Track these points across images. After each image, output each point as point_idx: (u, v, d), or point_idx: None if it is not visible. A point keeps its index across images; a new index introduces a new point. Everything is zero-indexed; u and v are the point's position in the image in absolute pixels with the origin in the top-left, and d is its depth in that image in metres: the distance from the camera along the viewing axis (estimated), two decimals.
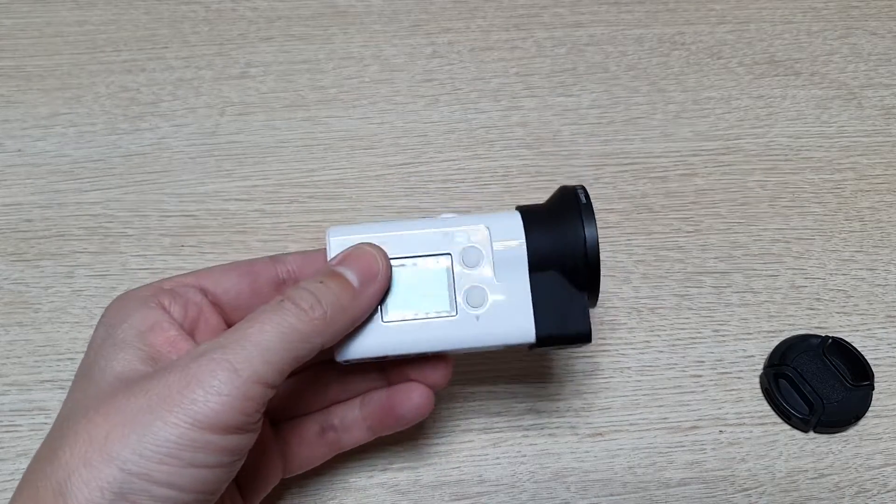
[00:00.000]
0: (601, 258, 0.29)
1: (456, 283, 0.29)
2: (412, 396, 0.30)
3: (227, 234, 0.42)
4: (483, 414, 0.37)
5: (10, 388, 0.37)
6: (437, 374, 0.30)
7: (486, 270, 0.29)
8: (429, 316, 0.29)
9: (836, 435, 0.37)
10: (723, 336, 0.39)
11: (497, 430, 0.37)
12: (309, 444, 0.32)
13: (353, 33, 0.50)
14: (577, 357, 0.39)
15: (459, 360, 0.38)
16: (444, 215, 0.30)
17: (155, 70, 0.48)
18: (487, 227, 0.29)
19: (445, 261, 0.29)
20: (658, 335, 0.39)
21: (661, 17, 0.51)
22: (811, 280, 0.41)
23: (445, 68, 0.49)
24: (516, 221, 0.30)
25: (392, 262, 0.29)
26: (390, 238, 0.29)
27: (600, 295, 0.40)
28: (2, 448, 0.36)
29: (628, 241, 0.42)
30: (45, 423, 0.36)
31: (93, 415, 0.25)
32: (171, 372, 0.25)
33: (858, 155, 0.46)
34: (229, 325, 0.30)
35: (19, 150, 0.45)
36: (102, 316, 0.29)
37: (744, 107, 0.47)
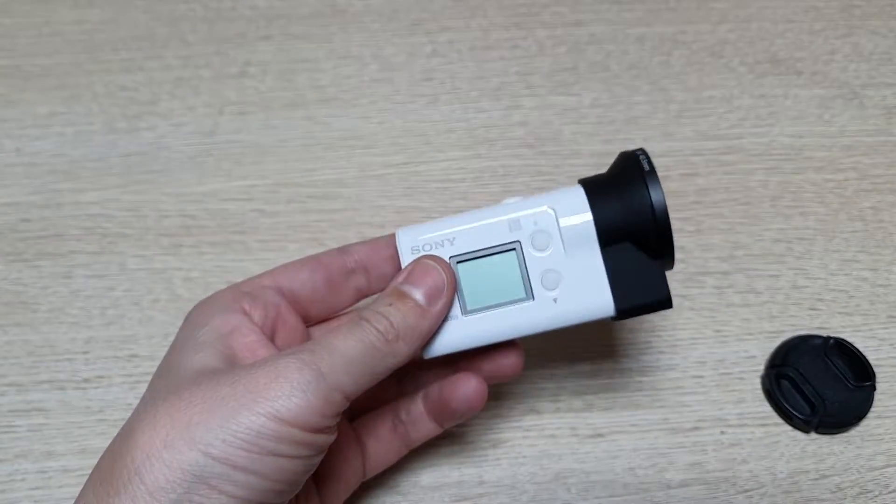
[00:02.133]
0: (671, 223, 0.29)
1: (529, 269, 0.29)
2: (461, 387, 0.30)
3: (226, 233, 0.42)
4: (483, 414, 0.37)
5: (7, 389, 0.37)
6: (509, 362, 0.31)
7: (556, 250, 0.29)
8: (507, 304, 0.29)
9: (838, 436, 0.37)
10: (724, 336, 0.39)
11: (497, 430, 0.36)
12: (384, 440, 0.33)
13: (352, 32, 0.50)
14: (577, 357, 0.38)
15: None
16: (507, 200, 0.31)
17: (153, 69, 0.48)
18: (552, 208, 0.29)
19: (516, 248, 0.30)
20: (659, 335, 0.39)
21: (662, 15, 0.51)
22: (813, 280, 0.41)
23: (445, 67, 0.48)
24: (580, 197, 0.30)
25: (463, 256, 0.30)
26: (458, 234, 0.30)
27: None
28: (0, 449, 0.36)
29: None
30: (44, 424, 0.36)
31: (174, 400, 0.25)
32: (259, 367, 0.26)
33: (860, 154, 0.46)
34: (307, 320, 0.32)
35: (17, 150, 0.45)
36: (186, 318, 0.30)
37: (745, 106, 0.47)
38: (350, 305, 0.33)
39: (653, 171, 0.29)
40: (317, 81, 0.48)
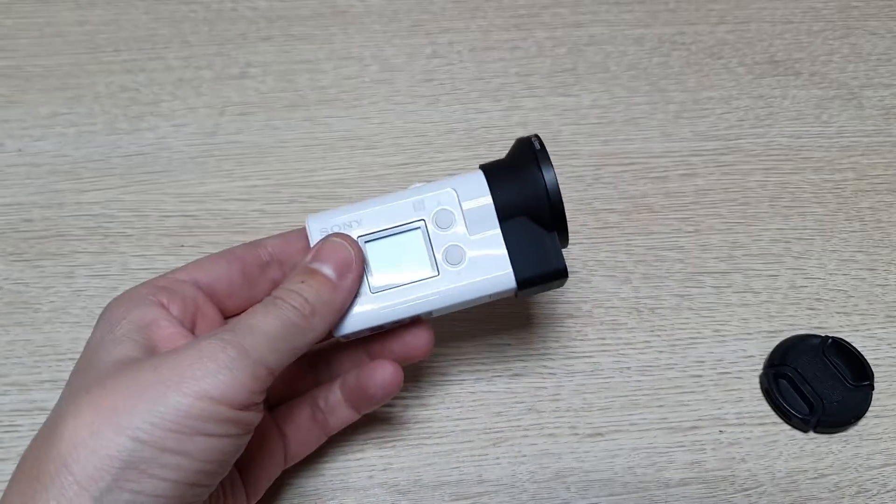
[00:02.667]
0: (564, 199, 0.31)
1: (434, 246, 0.31)
2: (378, 374, 0.31)
3: (227, 234, 0.42)
4: (483, 414, 0.37)
5: (10, 389, 0.37)
6: (418, 342, 0.31)
7: (459, 229, 0.31)
8: (414, 280, 0.30)
9: (836, 435, 0.37)
10: (723, 336, 0.39)
11: (497, 429, 0.36)
12: (303, 428, 0.33)
13: (352, 33, 0.50)
14: (577, 357, 0.39)
15: (460, 359, 0.38)
16: (414, 185, 0.32)
17: (155, 70, 0.48)
18: (454, 189, 0.31)
19: (420, 227, 0.31)
20: (658, 335, 0.39)
21: (661, 17, 0.51)
22: (811, 280, 0.41)
23: (445, 68, 0.49)
24: (480, 179, 0.31)
25: (371, 236, 0.30)
26: (365, 216, 0.31)
27: (600, 294, 0.40)
28: (2, 448, 0.36)
29: (628, 241, 0.42)
30: None
31: (97, 390, 0.25)
32: (181, 351, 0.26)
33: (859, 155, 0.46)
34: (225, 314, 0.31)
35: (19, 150, 0.45)
36: (100, 316, 0.29)
37: (744, 107, 0.47)
38: None
39: (544, 150, 0.31)
40: (317, 82, 0.48)
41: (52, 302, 0.40)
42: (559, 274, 0.31)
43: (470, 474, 0.35)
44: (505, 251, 0.31)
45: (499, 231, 0.31)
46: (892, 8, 0.52)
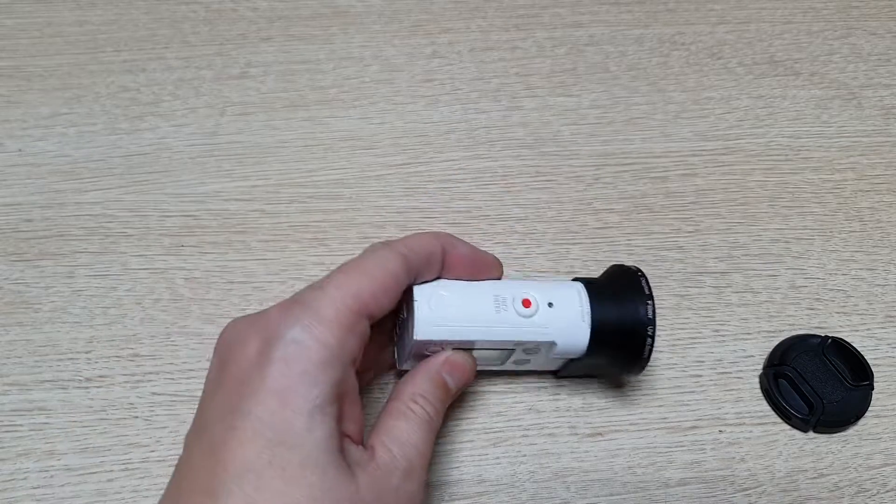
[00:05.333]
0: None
1: (513, 357, 0.34)
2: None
3: (228, 234, 0.42)
4: (483, 413, 0.37)
5: (10, 388, 0.37)
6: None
7: (539, 356, 0.34)
8: (480, 364, 0.34)
9: (836, 435, 0.37)
10: (722, 336, 0.39)
11: (497, 429, 0.37)
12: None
13: (353, 33, 0.50)
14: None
15: None
16: (521, 291, 0.33)
17: (155, 70, 0.48)
18: (557, 342, 0.32)
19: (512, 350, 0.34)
20: (658, 335, 0.39)
21: (660, 17, 0.51)
22: (811, 280, 0.41)
23: (445, 68, 0.49)
24: (584, 339, 0.33)
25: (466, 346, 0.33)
26: (472, 341, 0.32)
27: None
28: (2, 448, 0.36)
29: (628, 241, 0.42)
30: (46, 423, 0.36)
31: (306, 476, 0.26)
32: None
33: (858, 155, 0.46)
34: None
35: (20, 150, 0.45)
36: (289, 325, 0.28)
37: (744, 107, 0.47)
38: None
39: (648, 356, 0.33)
40: (318, 82, 0.48)
41: (52, 302, 0.40)
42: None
43: (469, 474, 0.35)
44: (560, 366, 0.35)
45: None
46: (891, 8, 0.52)
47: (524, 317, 0.32)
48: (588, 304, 0.33)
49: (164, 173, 0.44)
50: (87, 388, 0.37)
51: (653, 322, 0.32)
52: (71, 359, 0.38)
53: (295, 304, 0.28)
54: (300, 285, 0.40)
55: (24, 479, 0.35)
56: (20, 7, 0.50)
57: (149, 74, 0.48)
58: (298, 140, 0.46)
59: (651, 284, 0.33)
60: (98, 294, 0.40)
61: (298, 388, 0.26)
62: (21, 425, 0.36)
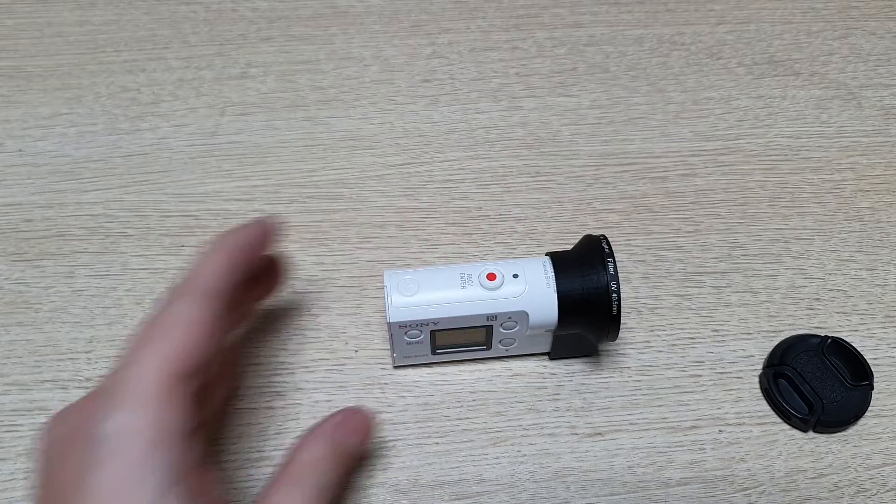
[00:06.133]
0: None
1: (493, 335, 0.35)
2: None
3: None
4: (483, 413, 0.37)
5: (10, 388, 0.37)
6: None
7: (519, 331, 0.35)
8: (468, 349, 0.37)
9: (836, 435, 0.37)
10: (722, 336, 0.39)
11: (497, 429, 0.37)
12: None
13: (353, 34, 0.50)
14: (576, 357, 0.39)
15: (461, 362, 0.38)
16: (480, 263, 0.35)
17: (155, 70, 0.48)
18: (528, 313, 0.34)
19: (490, 325, 0.35)
20: (657, 335, 0.39)
21: (660, 17, 0.51)
22: (810, 280, 0.41)
23: (445, 68, 0.49)
24: (553, 310, 0.34)
25: (440, 326, 0.34)
26: (442, 321, 0.34)
27: None
28: (2, 448, 0.36)
29: (628, 241, 0.42)
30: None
31: None
32: None
33: (858, 155, 0.46)
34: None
35: (20, 150, 0.45)
36: (75, 428, 0.26)
37: (743, 107, 0.47)
38: None
39: (618, 314, 0.34)
40: (318, 82, 0.48)
41: (52, 302, 0.40)
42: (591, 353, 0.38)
43: (470, 474, 0.35)
44: (549, 341, 0.36)
45: (551, 337, 0.36)
46: (891, 8, 0.52)
47: (490, 289, 0.33)
48: (552, 272, 0.34)
49: (164, 173, 0.44)
50: (87, 388, 0.37)
51: (616, 278, 0.33)
52: (71, 359, 0.38)
53: (104, 394, 0.25)
54: (300, 285, 0.40)
55: (25, 479, 0.35)
56: (20, 7, 0.50)
57: (149, 74, 0.48)
58: (298, 140, 0.46)
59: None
60: (98, 294, 0.40)
61: (131, 488, 0.23)
62: (21, 425, 0.36)
